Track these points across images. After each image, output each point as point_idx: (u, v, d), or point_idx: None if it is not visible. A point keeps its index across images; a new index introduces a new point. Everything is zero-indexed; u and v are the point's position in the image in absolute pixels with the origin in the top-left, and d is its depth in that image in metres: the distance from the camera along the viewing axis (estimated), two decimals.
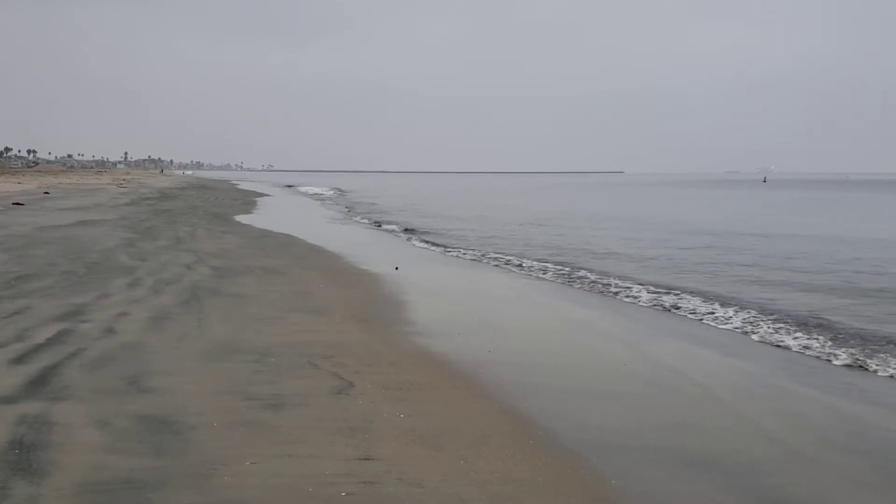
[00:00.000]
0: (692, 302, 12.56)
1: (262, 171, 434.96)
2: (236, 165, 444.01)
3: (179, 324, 9.22)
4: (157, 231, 21.53)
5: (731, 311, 11.68)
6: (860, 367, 8.55)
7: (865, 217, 39.64)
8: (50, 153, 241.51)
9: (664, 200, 62.33)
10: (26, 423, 5.57)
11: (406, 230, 27.02)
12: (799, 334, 10.11)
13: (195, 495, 4.55)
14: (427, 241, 23.09)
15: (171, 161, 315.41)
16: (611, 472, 5.27)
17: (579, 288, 14.41)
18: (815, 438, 6.12)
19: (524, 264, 17.58)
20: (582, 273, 16.05)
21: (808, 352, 9.25)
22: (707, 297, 13.06)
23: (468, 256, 19.29)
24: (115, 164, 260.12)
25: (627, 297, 13.25)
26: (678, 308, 12.12)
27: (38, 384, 6.50)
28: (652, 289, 13.84)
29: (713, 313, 11.61)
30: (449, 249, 20.81)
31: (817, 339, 9.84)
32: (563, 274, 16.03)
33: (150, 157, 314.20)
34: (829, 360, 8.81)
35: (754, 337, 10.08)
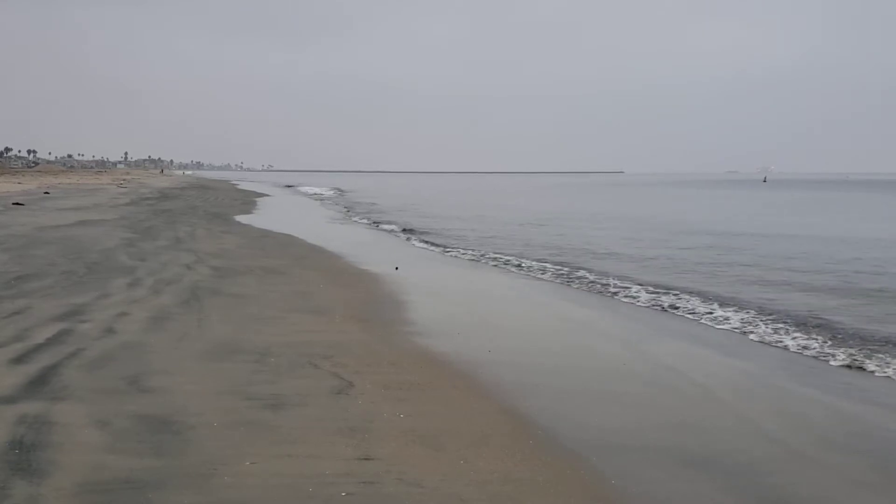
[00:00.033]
0: (692, 302, 12.56)
1: (262, 171, 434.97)
2: (236, 165, 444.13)
3: (179, 324, 9.22)
4: (157, 231, 21.53)
5: (730, 311, 11.68)
6: (860, 367, 8.55)
7: (865, 217, 39.64)
8: (50, 153, 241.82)
9: (664, 200, 62.34)
10: (26, 423, 5.57)
11: (406, 230, 27.02)
12: (799, 334, 10.11)
13: (195, 495, 4.55)
14: (427, 241, 23.09)
15: (171, 161, 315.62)
16: (611, 472, 5.27)
17: (577, 288, 14.41)
18: (815, 438, 6.12)
19: (523, 264, 17.57)
20: (581, 273, 16.04)
21: (807, 352, 9.25)
22: (707, 297, 13.05)
23: (468, 256, 19.29)
24: (115, 164, 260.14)
25: (626, 297, 13.25)
26: (677, 308, 12.12)
27: (38, 384, 6.50)
28: (651, 289, 13.84)
29: (713, 313, 11.60)
30: (448, 249, 20.81)
31: (817, 339, 9.84)
32: (562, 274, 16.02)
33: (150, 157, 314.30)
34: (829, 361, 8.81)
35: (754, 337, 10.09)
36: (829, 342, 9.65)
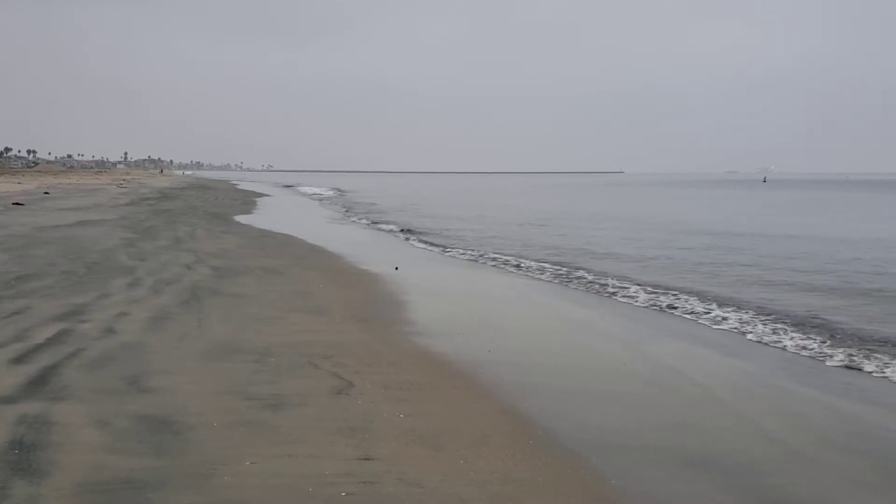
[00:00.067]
0: (691, 302, 12.55)
1: (262, 171, 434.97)
2: (236, 165, 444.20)
3: (179, 324, 9.22)
4: (157, 231, 21.53)
5: (730, 312, 11.68)
6: (860, 367, 8.54)
7: (865, 217, 39.64)
8: (50, 153, 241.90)
9: (664, 200, 62.35)
10: (26, 423, 5.57)
11: (405, 230, 27.01)
12: (798, 334, 10.11)
13: (195, 495, 4.55)
14: (426, 242, 23.08)
15: (171, 161, 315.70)
16: (611, 472, 5.27)
17: (575, 288, 14.39)
18: (815, 438, 6.12)
19: (522, 264, 17.57)
20: (580, 273, 16.03)
21: (807, 352, 9.24)
22: (707, 297, 13.05)
23: (468, 256, 19.29)
24: (114, 164, 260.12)
25: (625, 297, 13.23)
26: (675, 308, 12.11)
27: (38, 384, 6.50)
28: (650, 289, 13.83)
29: (712, 313, 11.60)
30: (448, 249, 20.81)
31: (817, 339, 9.84)
32: (561, 274, 16.02)
33: (149, 157, 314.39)
34: (829, 361, 8.81)
35: (753, 337, 10.08)
36: (829, 342, 9.65)
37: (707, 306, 12.14)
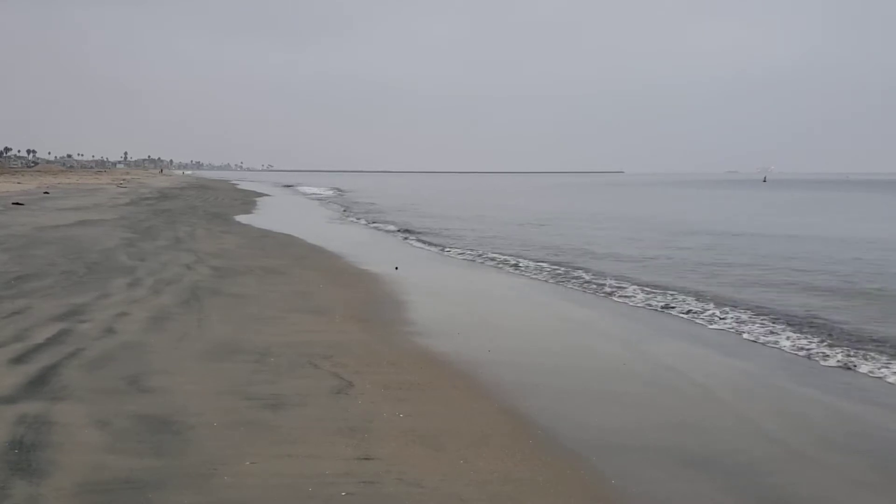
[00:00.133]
0: (691, 303, 12.53)
1: (262, 171, 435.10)
2: (236, 165, 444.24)
3: (179, 324, 9.22)
4: (157, 231, 21.53)
5: (729, 312, 11.67)
6: (859, 367, 8.54)
7: (865, 217, 39.63)
8: (50, 153, 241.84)
9: (664, 200, 62.33)
10: (26, 423, 5.57)
11: (405, 230, 27.01)
12: (798, 334, 10.10)
13: (195, 495, 4.55)
14: (426, 241, 23.07)
15: (171, 161, 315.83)
16: (611, 472, 5.27)
17: (572, 288, 14.38)
18: (815, 438, 6.12)
19: (520, 264, 17.56)
20: (578, 273, 16.02)
21: (807, 352, 9.23)
22: (707, 297, 13.04)
23: (467, 256, 19.28)
24: (114, 164, 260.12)
25: (622, 297, 13.21)
26: (674, 308, 12.10)
27: (38, 384, 6.50)
28: (649, 289, 13.81)
29: (712, 313, 11.59)
30: (448, 249, 20.81)
31: (817, 339, 9.83)
32: (559, 274, 16.01)
33: (149, 157, 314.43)
34: (828, 361, 8.81)
35: (752, 337, 10.07)
36: (829, 342, 9.64)
37: (707, 306, 12.13)
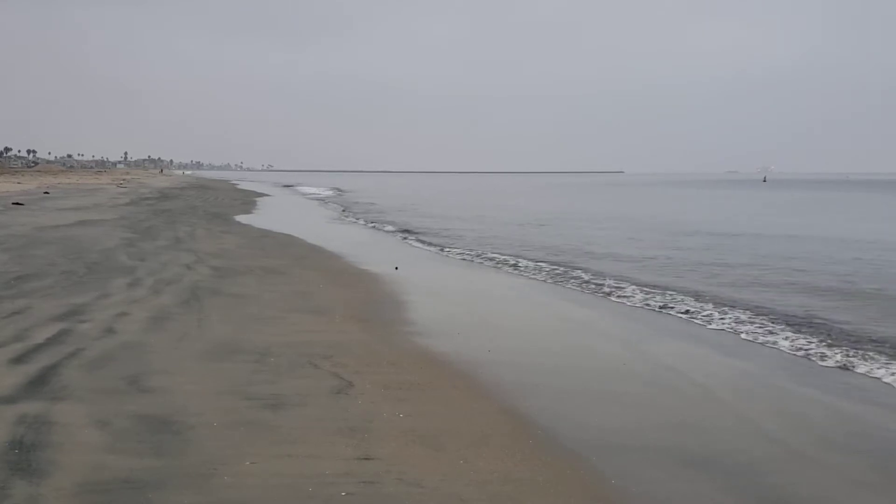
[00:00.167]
0: (690, 303, 12.53)
1: (262, 171, 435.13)
2: (236, 165, 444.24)
3: (179, 324, 9.22)
4: (157, 231, 21.53)
5: (729, 312, 11.66)
6: (859, 367, 8.53)
7: (865, 217, 39.64)
8: (50, 153, 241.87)
9: (664, 200, 62.33)
10: (26, 423, 5.57)
11: (405, 230, 27.01)
12: (798, 334, 10.10)
13: (195, 495, 4.55)
14: (426, 241, 23.08)
15: (171, 161, 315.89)
16: (611, 472, 5.27)
17: (570, 288, 14.37)
18: (814, 438, 6.12)
19: (520, 264, 17.55)
20: (577, 273, 16.01)
21: (806, 352, 9.23)
22: (706, 297, 13.03)
23: (467, 257, 19.28)
24: (114, 164, 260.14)
25: (621, 296, 13.20)
26: (673, 308, 12.09)
27: (38, 384, 6.51)
28: (648, 289, 13.80)
29: (711, 314, 11.59)
30: (448, 249, 20.81)
31: (816, 339, 9.83)
32: (559, 274, 16.01)
33: (149, 157, 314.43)
34: (828, 361, 8.81)
35: (752, 337, 10.07)
36: (829, 342, 9.64)
37: (706, 306, 12.13)
